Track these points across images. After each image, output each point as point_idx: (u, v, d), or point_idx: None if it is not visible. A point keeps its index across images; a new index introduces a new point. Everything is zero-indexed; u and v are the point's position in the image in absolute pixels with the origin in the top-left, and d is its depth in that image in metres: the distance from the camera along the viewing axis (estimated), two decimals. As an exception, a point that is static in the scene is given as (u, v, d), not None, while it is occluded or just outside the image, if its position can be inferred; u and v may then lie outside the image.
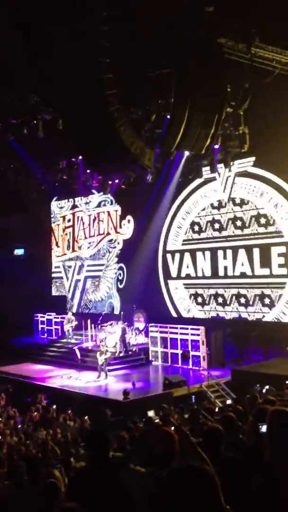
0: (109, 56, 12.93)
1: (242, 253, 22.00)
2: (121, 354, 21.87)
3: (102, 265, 29.29)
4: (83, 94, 13.91)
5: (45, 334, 27.98)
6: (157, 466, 3.82)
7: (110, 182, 22.51)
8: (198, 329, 20.13)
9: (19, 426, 13.74)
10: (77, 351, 21.00)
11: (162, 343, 21.54)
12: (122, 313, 24.46)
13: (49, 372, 21.72)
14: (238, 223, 22.21)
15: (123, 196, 25.94)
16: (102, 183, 22.34)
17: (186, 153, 18.19)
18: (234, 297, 22.49)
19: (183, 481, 1.62)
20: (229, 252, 22.56)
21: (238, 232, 22.20)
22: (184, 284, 24.72)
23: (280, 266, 20.57)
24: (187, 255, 24.53)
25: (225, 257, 22.82)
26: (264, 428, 3.44)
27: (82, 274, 30.58)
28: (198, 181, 23.21)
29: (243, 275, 22.01)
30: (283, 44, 15.21)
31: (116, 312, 26.98)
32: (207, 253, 23.55)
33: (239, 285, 22.15)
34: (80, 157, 21.26)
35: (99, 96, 13.56)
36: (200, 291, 23.96)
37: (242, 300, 22.08)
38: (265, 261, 21.09)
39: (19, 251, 31.85)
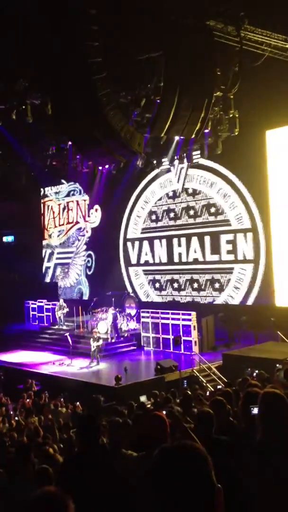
0: (97, 40, 12.77)
1: (194, 240, 23.57)
2: (113, 340, 21.92)
3: (72, 252, 30.42)
4: (72, 78, 13.75)
5: (37, 321, 27.96)
6: (149, 450, 3.83)
7: (100, 168, 22.43)
8: (190, 314, 20.19)
9: (11, 413, 13.74)
10: (69, 338, 21.01)
11: (154, 329, 21.60)
12: (113, 299, 24.56)
13: (41, 359, 21.74)
14: (191, 212, 23.73)
15: (92, 186, 27.00)
16: (92, 169, 22.21)
17: (176, 137, 18.08)
18: (188, 282, 24.08)
19: (174, 459, 1.62)
20: (183, 240, 24.17)
21: (191, 220, 23.74)
22: (143, 270, 26.26)
23: (228, 252, 22.32)
24: (145, 243, 26.10)
25: (179, 245, 24.42)
26: (255, 411, 3.45)
27: (52, 262, 31.64)
28: (155, 172, 24.65)
29: (195, 261, 23.64)
30: (272, 26, 15.09)
31: (85, 297, 28.23)
32: (164, 241, 25.15)
33: (192, 270, 23.77)
34: (70, 143, 21.09)
35: (88, 81, 13.41)
36: (157, 277, 25.58)
37: (195, 285, 23.72)
38: (215, 248, 22.75)
39: (9, 238, 31.69)
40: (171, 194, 24.70)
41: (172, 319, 20.86)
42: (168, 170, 24.25)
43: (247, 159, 20.33)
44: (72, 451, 6.88)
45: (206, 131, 17.30)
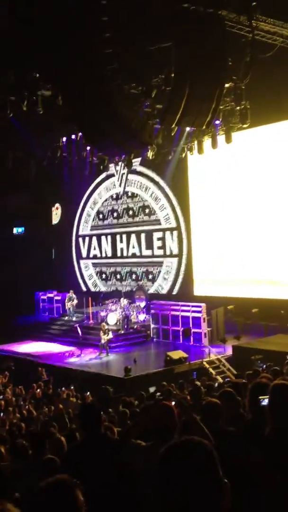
0: (108, 30, 12.69)
1: (133, 237, 27.31)
2: (122, 332, 21.96)
3: None
4: (83, 69, 13.70)
5: (46, 312, 28.10)
6: (158, 439, 3.83)
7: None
8: (200, 306, 20.16)
9: (21, 403, 13.84)
10: (79, 329, 21.09)
11: (164, 321, 21.60)
12: (123, 291, 24.70)
13: (51, 350, 21.85)
14: (130, 212, 27.54)
15: (53, 185, 29.57)
16: (102, 160, 22.19)
17: (187, 128, 17.99)
18: (128, 274, 27.70)
19: (180, 455, 1.61)
20: (124, 237, 27.92)
21: (130, 220, 27.57)
22: (92, 263, 30.07)
23: (158, 248, 25.95)
24: (94, 239, 29.97)
25: (121, 241, 28.15)
26: (264, 402, 3.43)
27: None
28: (102, 176, 28.40)
29: (134, 255, 27.37)
30: (284, 16, 14.91)
31: None
32: (109, 237, 28.93)
33: (131, 264, 27.52)
34: (80, 134, 21.03)
35: (99, 72, 13.37)
36: (104, 269, 29.40)
37: (133, 276, 27.35)
38: (149, 244, 26.39)
39: (19, 229, 31.76)
40: (114, 196, 28.42)
41: (182, 311, 20.86)
42: (112, 175, 27.91)
43: (173, 167, 23.33)
44: (75, 441, 6.90)
45: (217, 122, 17.20)
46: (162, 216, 25.59)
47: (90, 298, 24.40)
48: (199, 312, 20.04)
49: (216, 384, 12.20)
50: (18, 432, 9.03)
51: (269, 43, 15.26)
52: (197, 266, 23.62)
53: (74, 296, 25.20)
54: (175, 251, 24.93)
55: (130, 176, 27.14)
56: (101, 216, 29.34)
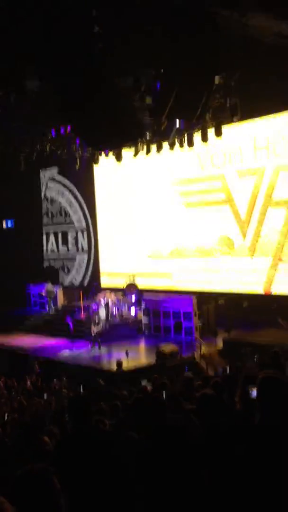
0: (99, 25, 12.64)
1: (52, 236, 32.00)
2: (112, 326, 22.00)
3: None
4: (73, 63, 13.65)
5: (38, 306, 28.11)
6: (150, 432, 3.90)
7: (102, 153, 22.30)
8: (191, 301, 20.24)
9: (13, 393, 13.88)
10: (70, 322, 21.12)
11: (155, 315, 21.67)
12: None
13: (42, 343, 21.87)
14: (50, 215, 32.09)
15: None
16: (92, 154, 22.14)
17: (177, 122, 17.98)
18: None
19: (163, 436, 1.70)
20: (44, 236, 32.28)
21: (50, 221, 32.16)
22: None
23: (72, 245, 30.69)
24: None
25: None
26: (254, 393, 3.51)
27: None
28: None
29: (52, 252, 31.94)
30: (275, 12, 14.92)
31: None
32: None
33: (50, 259, 31.94)
34: (69, 128, 20.94)
35: (89, 65, 13.30)
36: None
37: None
38: (65, 242, 31.13)
39: (8, 223, 31.72)
40: None
41: (173, 305, 20.93)
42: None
43: (84, 175, 26.66)
44: (66, 432, 6.94)
45: (207, 116, 17.20)
46: (75, 218, 30.36)
47: (81, 292, 24.40)
48: (190, 306, 20.11)
49: (208, 376, 12.29)
50: (11, 423, 9.07)
51: (260, 39, 15.27)
52: (103, 260, 27.75)
53: (51, 288, 26.29)
54: (86, 247, 29.65)
55: (50, 183, 31.63)
56: None
